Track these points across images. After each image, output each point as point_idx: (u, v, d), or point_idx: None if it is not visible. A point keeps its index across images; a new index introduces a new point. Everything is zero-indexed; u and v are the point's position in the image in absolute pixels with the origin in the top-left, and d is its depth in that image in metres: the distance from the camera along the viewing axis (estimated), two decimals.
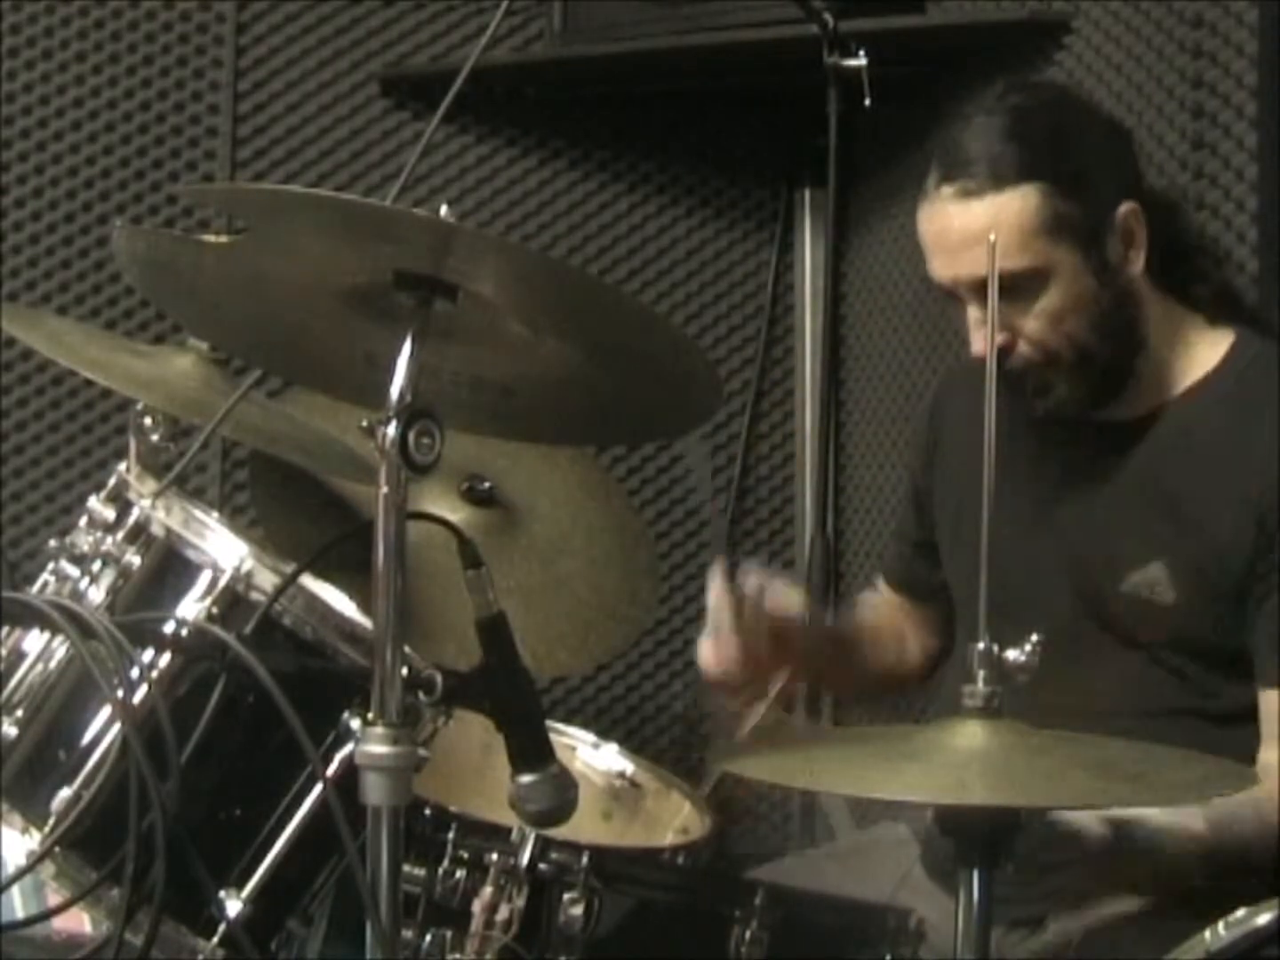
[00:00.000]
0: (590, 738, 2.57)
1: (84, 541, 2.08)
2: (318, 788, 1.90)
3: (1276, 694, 2.14)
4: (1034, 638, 1.71)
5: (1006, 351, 2.16)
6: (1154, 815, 1.99)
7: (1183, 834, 2.01)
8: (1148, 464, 2.24)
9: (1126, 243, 2.19)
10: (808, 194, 3.61)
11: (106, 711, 1.95)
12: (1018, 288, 2.14)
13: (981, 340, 2.17)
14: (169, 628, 1.90)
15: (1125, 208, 2.18)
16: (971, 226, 2.14)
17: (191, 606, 1.99)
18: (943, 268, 2.21)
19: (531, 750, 1.79)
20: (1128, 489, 2.25)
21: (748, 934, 2.01)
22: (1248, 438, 2.18)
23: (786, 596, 2.33)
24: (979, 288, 2.15)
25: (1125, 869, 2.03)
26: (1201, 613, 2.18)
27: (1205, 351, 2.25)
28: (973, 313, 2.19)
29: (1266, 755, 2.11)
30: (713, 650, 2.29)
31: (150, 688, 1.80)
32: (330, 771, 1.79)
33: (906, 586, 2.59)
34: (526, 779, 1.79)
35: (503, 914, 2.00)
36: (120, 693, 1.70)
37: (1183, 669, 2.20)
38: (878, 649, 2.55)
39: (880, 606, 2.62)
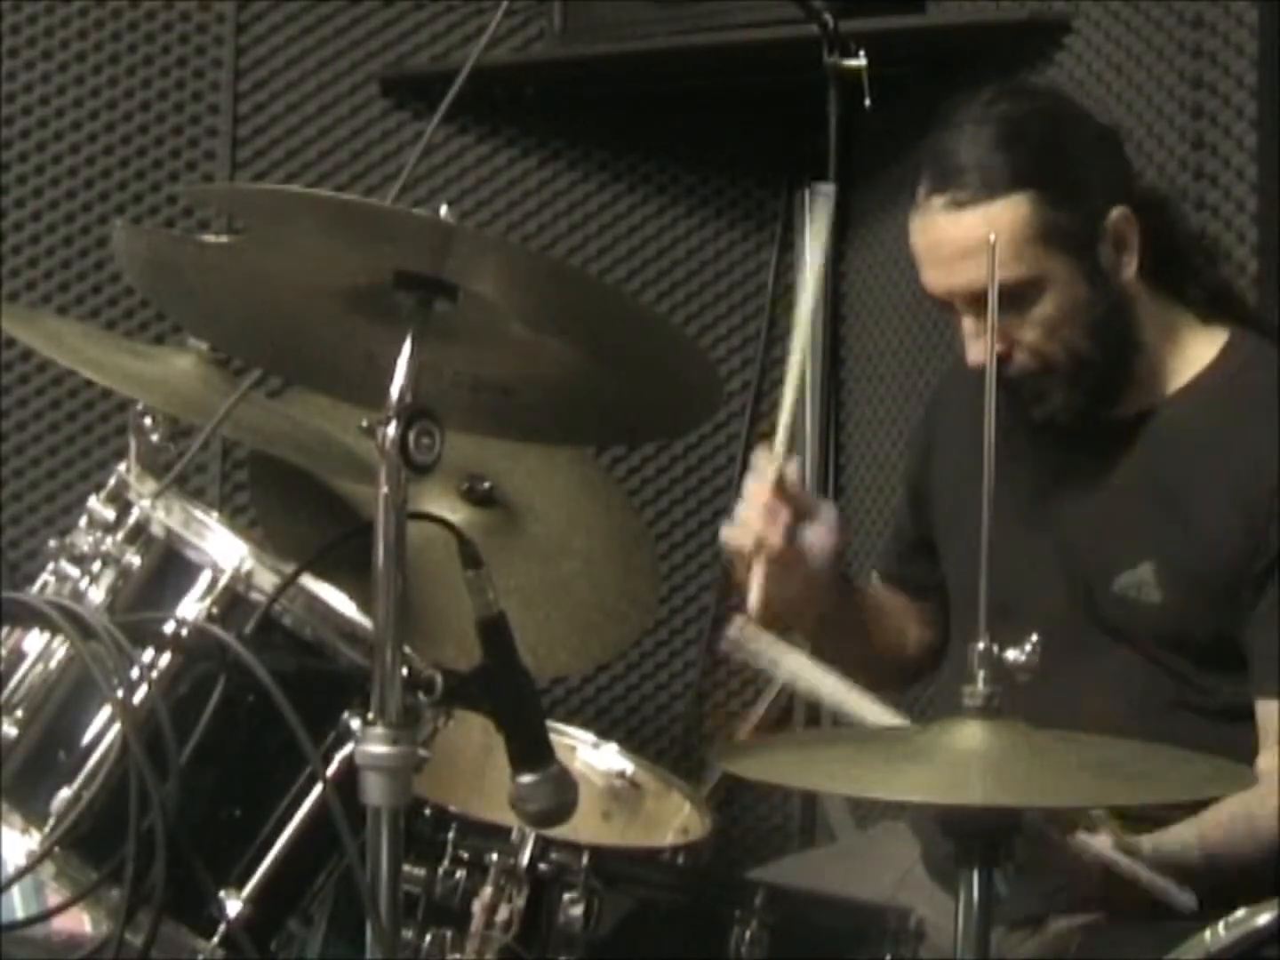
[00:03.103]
0: (590, 738, 2.57)
1: (84, 541, 2.08)
2: (318, 788, 1.90)
3: (1271, 704, 2.14)
4: (1033, 638, 1.71)
5: (1003, 360, 2.16)
6: (1150, 848, 1.99)
7: (1178, 865, 2.00)
8: (1141, 463, 2.24)
9: (1119, 248, 2.19)
10: (807, 194, 3.61)
11: (106, 711, 1.95)
12: (1012, 297, 2.13)
13: (978, 350, 2.17)
14: (169, 628, 1.90)
15: (1117, 213, 2.18)
16: (964, 237, 2.13)
17: (191, 606, 1.99)
18: (937, 280, 2.20)
19: (531, 750, 1.79)
20: (1121, 488, 2.25)
21: (748, 934, 2.01)
22: (1241, 437, 2.18)
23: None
24: (974, 299, 2.15)
25: (1117, 890, 2.02)
26: (1191, 613, 2.18)
27: (1199, 350, 2.25)
28: (968, 323, 2.19)
29: (1265, 761, 2.11)
30: (742, 518, 2.26)
31: (150, 688, 1.80)
32: (330, 771, 1.79)
33: (902, 584, 2.59)
34: (526, 779, 1.79)
35: (503, 914, 2.00)
36: (120, 693, 1.70)
37: (1176, 667, 2.20)
38: (882, 617, 2.55)
39: (878, 594, 2.61)
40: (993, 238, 1.79)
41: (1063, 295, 2.16)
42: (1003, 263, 2.11)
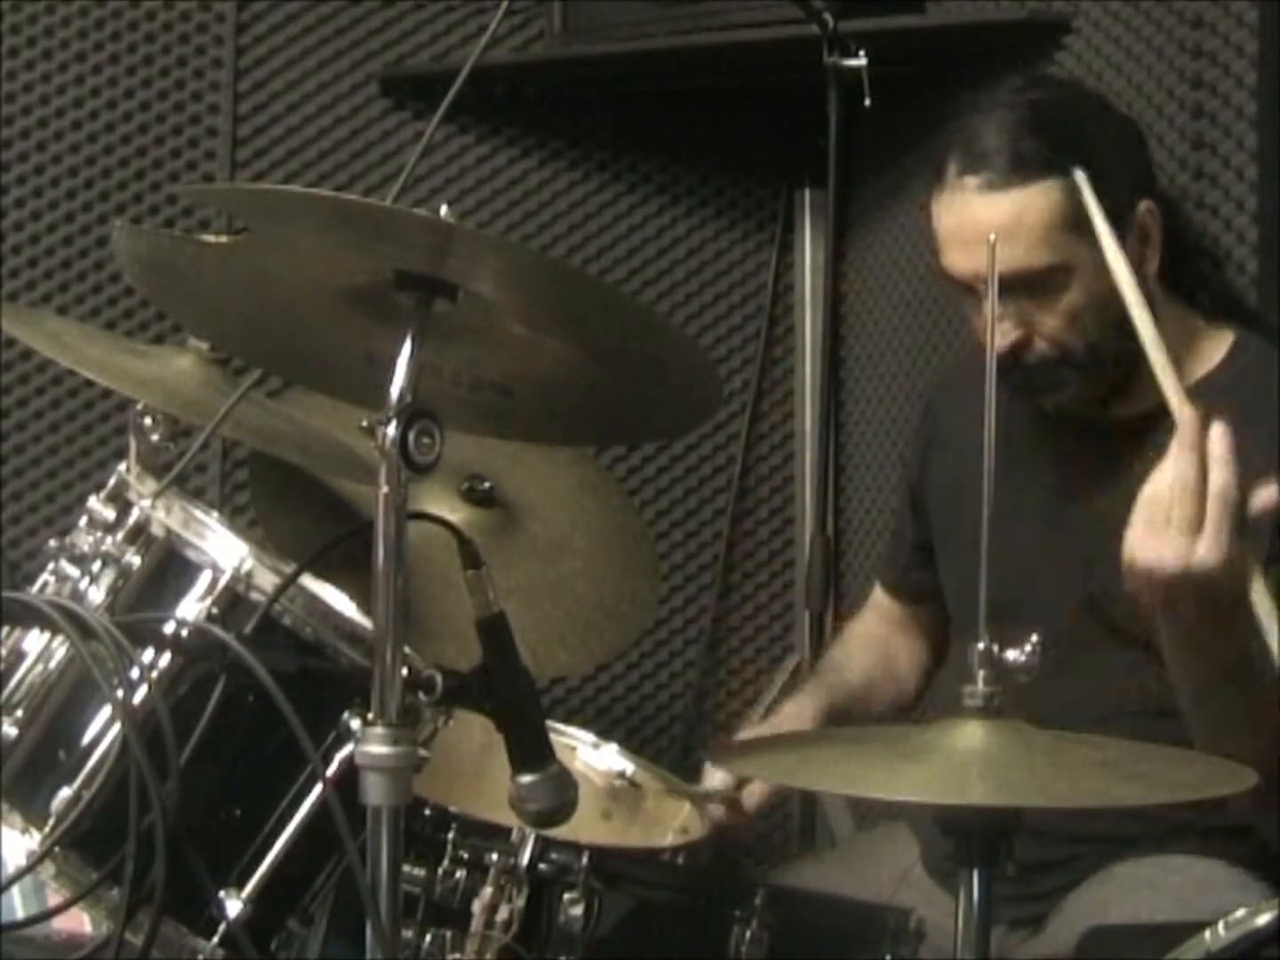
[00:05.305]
0: (590, 738, 2.56)
1: (84, 541, 2.08)
2: (318, 788, 1.90)
3: None
4: (1034, 638, 1.71)
5: (1023, 347, 2.16)
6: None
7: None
8: (1149, 462, 2.23)
9: (1143, 241, 2.18)
10: (808, 194, 3.61)
11: (106, 711, 1.95)
12: (1039, 284, 2.13)
13: (997, 335, 2.16)
14: (169, 628, 1.90)
15: (1143, 205, 2.18)
16: (995, 220, 2.12)
17: (191, 606, 1.99)
18: (962, 261, 2.18)
19: (531, 750, 1.79)
20: (1130, 488, 2.24)
21: (748, 934, 2.01)
22: (1246, 438, 2.17)
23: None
24: (999, 283, 2.14)
25: None
26: None
27: (1207, 351, 2.25)
28: (988, 308, 2.18)
29: None
30: None
31: (150, 688, 1.80)
32: (330, 771, 1.79)
33: (904, 590, 2.59)
34: (526, 779, 1.79)
35: (503, 914, 2.00)
36: (120, 693, 1.70)
37: None
38: (875, 695, 2.56)
39: (869, 635, 2.61)
40: (993, 238, 1.79)
41: (1088, 284, 2.15)
42: (1031, 248, 2.11)
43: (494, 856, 2.02)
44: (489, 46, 2.22)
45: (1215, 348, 2.25)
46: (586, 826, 2.28)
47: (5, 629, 2.04)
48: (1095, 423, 2.25)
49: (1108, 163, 2.17)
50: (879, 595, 2.64)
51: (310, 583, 2.00)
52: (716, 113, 3.60)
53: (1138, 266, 2.18)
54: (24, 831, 1.95)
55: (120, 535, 2.06)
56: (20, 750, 1.99)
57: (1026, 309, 2.14)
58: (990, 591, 1.70)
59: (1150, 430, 2.24)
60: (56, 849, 1.91)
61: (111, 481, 2.12)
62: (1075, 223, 2.12)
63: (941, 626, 2.52)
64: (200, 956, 1.91)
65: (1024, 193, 2.12)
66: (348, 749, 1.71)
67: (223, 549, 2.01)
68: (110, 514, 2.09)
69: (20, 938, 2.06)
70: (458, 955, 2.01)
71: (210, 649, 1.79)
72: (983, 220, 2.14)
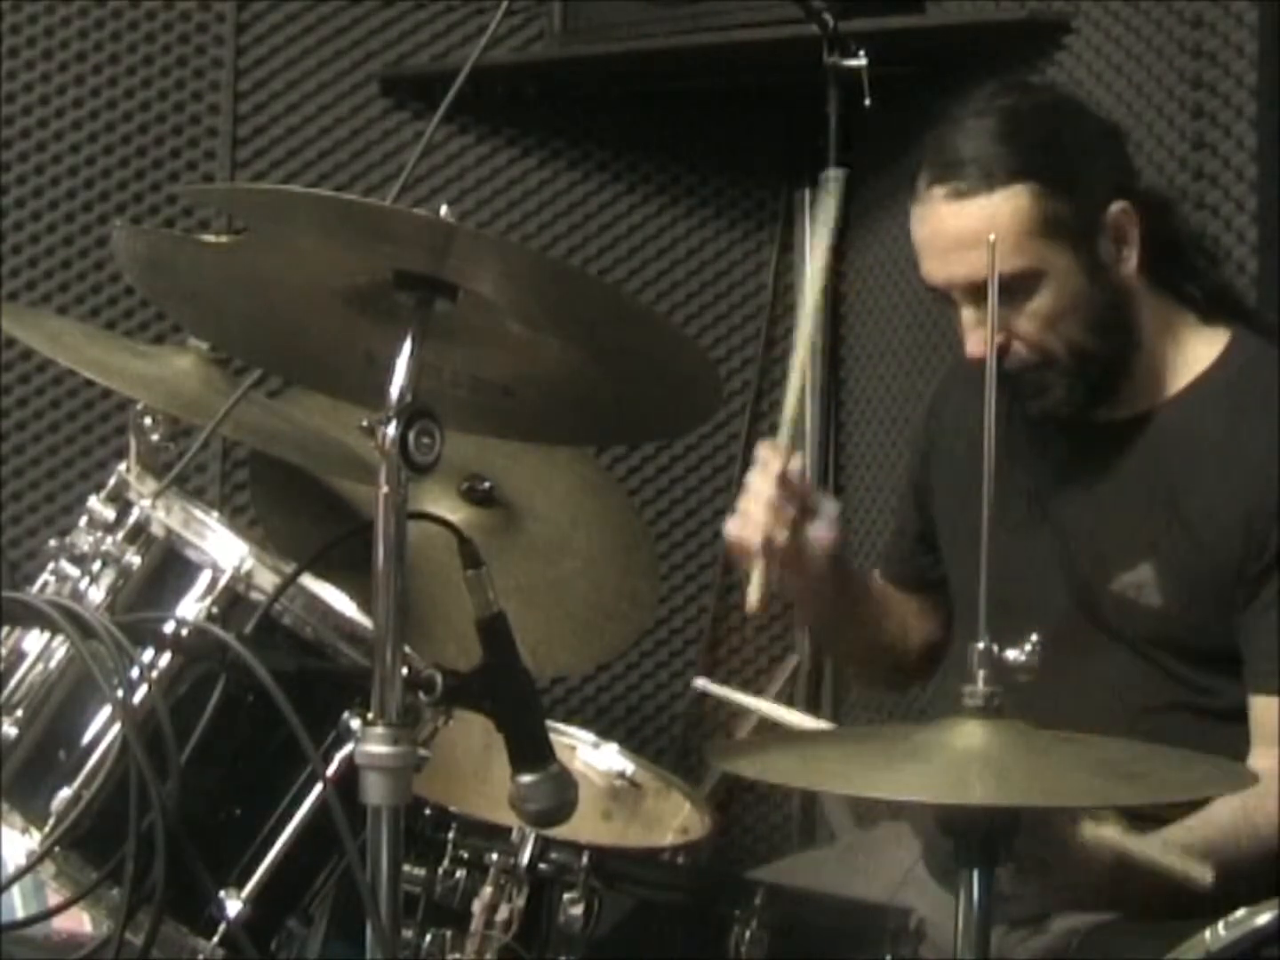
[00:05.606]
0: (590, 738, 2.57)
1: (84, 541, 2.08)
2: (318, 788, 1.90)
3: (1265, 700, 2.13)
4: (1034, 637, 1.71)
5: (1002, 352, 2.16)
6: (1160, 857, 1.97)
7: (1182, 878, 1.97)
8: (1142, 463, 2.24)
9: (1119, 242, 2.19)
10: (808, 194, 3.61)
11: (106, 711, 1.95)
12: (1011, 289, 2.13)
13: (976, 342, 2.17)
14: (169, 628, 1.90)
15: (1116, 207, 2.18)
16: (964, 228, 2.14)
17: (191, 606, 1.99)
18: (936, 270, 2.20)
19: (531, 750, 1.79)
20: (1121, 488, 2.25)
21: (748, 934, 2.01)
22: (1241, 439, 2.18)
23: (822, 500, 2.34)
24: (973, 290, 2.15)
25: (1127, 881, 2.01)
26: (1190, 615, 2.18)
27: (1200, 350, 2.25)
28: (967, 315, 2.19)
29: (1263, 763, 2.10)
30: (745, 512, 2.26)
31: (150, 688, 1.80)
32: (330, 771, 1.79)
33: (907, 581, 2.58)
34: (526, 779, 1.79)
35: (503, 914, 2.00)
36: (120, 693, 1.70)
37: (1175, 668, 2.20)
38: (885, 612, 2.54)
39: (882, 585, 2.61)
40: (992, 238, 1.79)
41: (1061, 287, 2.16)
42: (1001, 254, 2.11)
43: (494, 856, 2.02)
44: (489, 46, 2.22)
45: (1209, 347, 2.25)
46: (586, 826, 2.28)
47: (5, 629, 2.04)
48: (1086, 423, 2.25)
49: (1078, 166, 2.18)
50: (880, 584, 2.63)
51: (310, 583, 2.00)
52: (716, 113, 3.60)
53: (1113, 267, 2.18)
54: (24, 831, 1.95)
55: (120, 535, 2.07)
56: (20, 750, 1.99)
57: (1001, 314, 2.14)
58: (990, 591, 1.71)
59: (1142, 431, 2.25)
60: (56, 849, 1.91)
61: (111, 481, 2.12)
62: (1045, 228, 2.14)
63: (943, 614, 2.51)
64: (200, 956, 1.91)
65: (991, 200, 2.14)
66: (348, 749, 1.71)
67: (223, 549, 2.01)
68: (110, 514, 2.09)
69: (20, 938, 2.06)
70: (458, 955, 2.01)
71: (210, 649, 1.79)
72: (952, 229, 2.15)
